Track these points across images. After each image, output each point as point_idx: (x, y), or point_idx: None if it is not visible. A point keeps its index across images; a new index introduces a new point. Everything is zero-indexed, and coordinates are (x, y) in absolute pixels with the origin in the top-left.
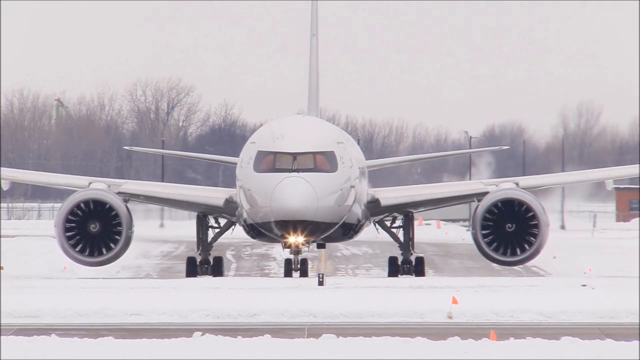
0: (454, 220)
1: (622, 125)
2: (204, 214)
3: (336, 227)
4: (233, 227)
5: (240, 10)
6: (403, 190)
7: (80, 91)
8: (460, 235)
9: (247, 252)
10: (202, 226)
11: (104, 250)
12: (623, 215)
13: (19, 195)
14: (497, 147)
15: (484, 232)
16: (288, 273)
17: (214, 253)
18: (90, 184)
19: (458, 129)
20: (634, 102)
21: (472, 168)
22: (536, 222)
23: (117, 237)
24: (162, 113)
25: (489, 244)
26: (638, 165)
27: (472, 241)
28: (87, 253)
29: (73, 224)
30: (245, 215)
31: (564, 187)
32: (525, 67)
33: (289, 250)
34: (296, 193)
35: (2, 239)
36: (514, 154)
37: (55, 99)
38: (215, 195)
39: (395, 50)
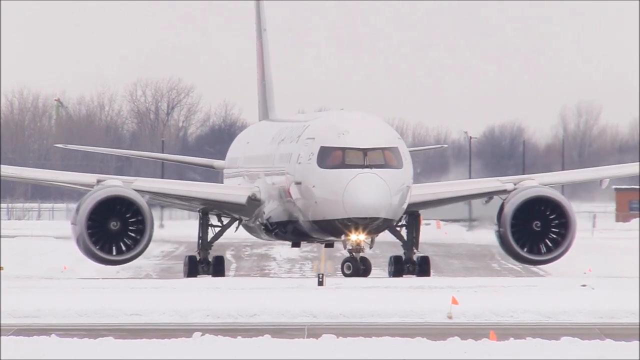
0: (454, 220)
1: (622, 125)
2: (204, 211)
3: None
4: (237, 226)
5: (240, 10)
6: (427, 188)
7: (80, 91)
8: (461, 235)
9: (247, 252)
10: (203, 224)
11: (124, 248)
12: (623, 215)
13: (19, 196)
14: (438, 146)
15: (514, 235)
16: (356, 272)
17: (214, 252)
18: (98, 181)
19: (458, 129)
20: (634, 102)
21: (471, 168)
22: (565, 220)
23: (137, 234)
24: (162, 113)
25: (522, 246)
26: None
27: (471, 241)
28: (109, 251)
29: (93, 222)
30: (265, 215)
31: (563, 186)
32: (525, 67)
33: (349, 248)
34: (371, 189)
35: (2, 239)
36: (514, 154)
37: (55, 99)
38: (236, 192)
39: (395, 50)
